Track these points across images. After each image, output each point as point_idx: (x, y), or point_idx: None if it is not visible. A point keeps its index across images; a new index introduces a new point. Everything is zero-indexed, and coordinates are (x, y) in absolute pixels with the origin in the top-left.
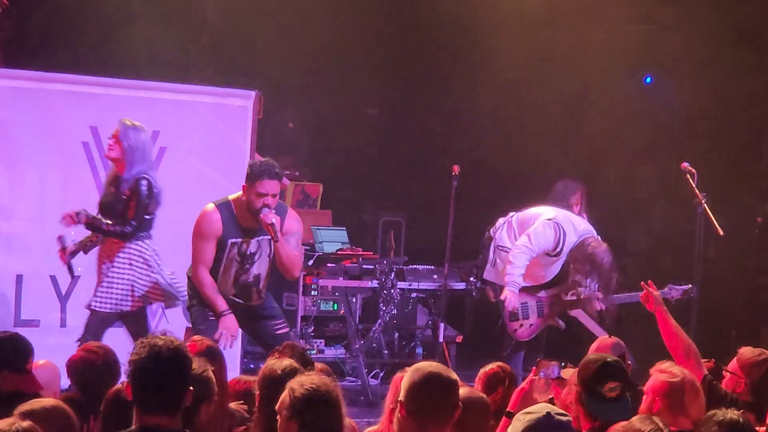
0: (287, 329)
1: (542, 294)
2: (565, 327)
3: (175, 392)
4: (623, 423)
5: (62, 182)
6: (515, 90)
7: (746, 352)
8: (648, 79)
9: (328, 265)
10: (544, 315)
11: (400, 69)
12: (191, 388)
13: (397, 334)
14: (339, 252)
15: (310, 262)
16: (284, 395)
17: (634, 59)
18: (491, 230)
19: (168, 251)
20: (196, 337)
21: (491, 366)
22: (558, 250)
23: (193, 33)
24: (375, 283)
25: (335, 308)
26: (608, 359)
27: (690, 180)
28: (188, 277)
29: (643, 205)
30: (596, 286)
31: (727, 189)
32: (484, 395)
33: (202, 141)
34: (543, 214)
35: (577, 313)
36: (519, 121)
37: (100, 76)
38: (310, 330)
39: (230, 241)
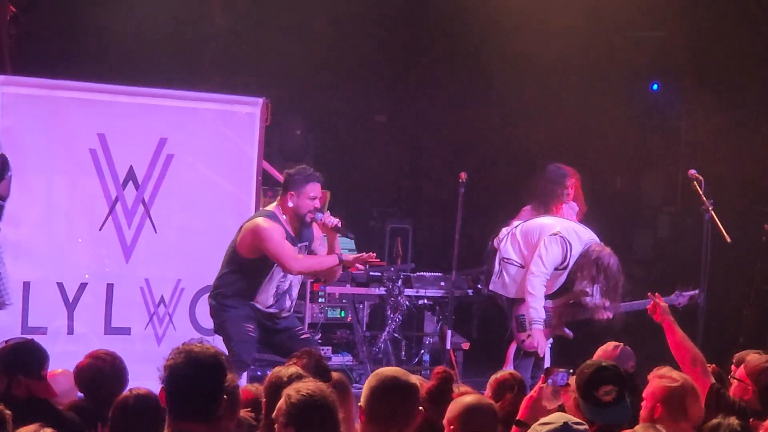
0: (308, 334)
1: (548, 304)
2: (573, 335)
3: (212, 400)
4: None
5: (69, 189)
6: (523, 98)
7: (753, 359)
8: (655, 86)
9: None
10: (551, 325)
11: (408, 76)
12: (225, 397)
13: (404, 342)
14: None
15: None
16: (280, 402)
17: (640, 66)
18: (495, 241)
19: (175, 258)
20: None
21: (503, 373)
22: (566, 264)
23: (201, 40)
24: (382, 290)
25: (342, 315)
26: (603, 363)
27: (697, 187)
28: (216, 299)
29: (649, 212)
30: (600, 294)
31: (735, 196)
32: (492, 402)
33: (209, 148)
34: (546, 227)
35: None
36: (526, 128)
37: (107, 84)
38: (318, 337)
39: None
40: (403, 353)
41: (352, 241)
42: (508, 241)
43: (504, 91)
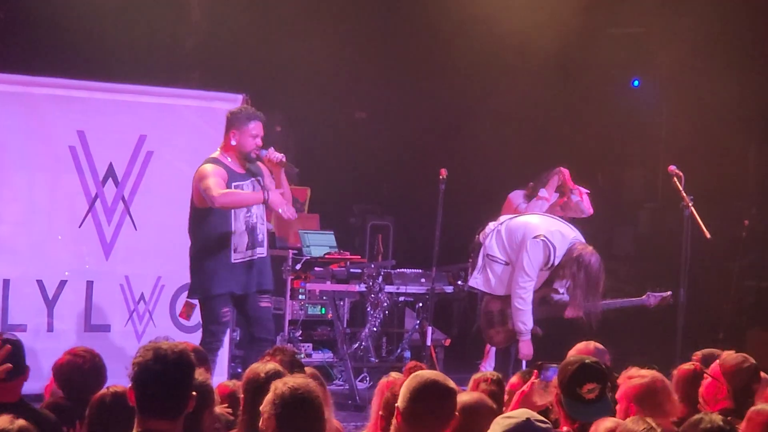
0: (270, 304)
1: None
2: (543, 333)
3: (179, 397)
4: (613, 420)
5: (49, 186)
6: (503, 94)
7: (730, 358)
8: (636, 83)
9: (316, 269)
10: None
11: (388, 72)
12: (194, 393)
13: (384, 338)
14: (327, 256)
15: (298, 266)
16: (269, 395)
17: (621, 62)
18: (481, 235)
19: (155, 255)
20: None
21: (482, 374)
22: (550, 265)
23: (180, 36)
24: (363, 287)
25: (323, 312)
26: (587, 360)
27: (677, 183)
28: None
29: (630, 209)
30: (581, 292)
31: (714, 192)
32: (492, 402)
33: (188, 145)
34: (530, 228)
35: None
36: (507, 124)
37: (86, 80)
38: (298, 334)
39: (233, 184)
40: (384, 350)
41: (332, 237)
42: (493, 237)
43: (485, 87)
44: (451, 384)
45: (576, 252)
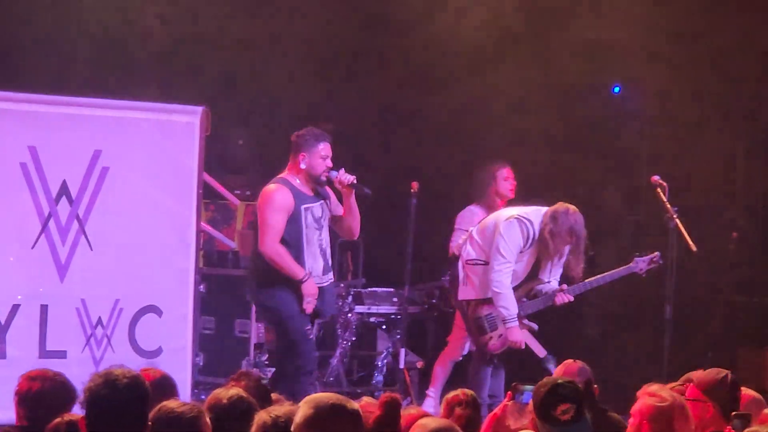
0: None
1: None
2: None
3: (132, 426)
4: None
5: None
6: (476, 102)
7: (702, 375)
8: (616, 89)
9: None
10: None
11: (356, 82)
12: (150, 423)
13: (355, 362)
14: None
15: None
16: (254, 427)
17: (602, 68)
18: (452, 249)
19: (112, 276)
20: (147, 368)
21: (455, 392)
22: (529, 243)
23: (136, 47)
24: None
25: None
26: (559, 381)
27: (661, 194)
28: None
29: (612, 221)
30: (574, 257)
31: (701, 203)
32: (454, 424)
33: (147, 160)
34: (501, 215)
35: (524, 334)
36: (481, 135)
37: (37, 93)
38: (264, 358)
39: (303, 207)
40: (355, 374)
41: None
42: (468, 243)
43: (458, 97)
44: (353, 405)
45: (557, 214)
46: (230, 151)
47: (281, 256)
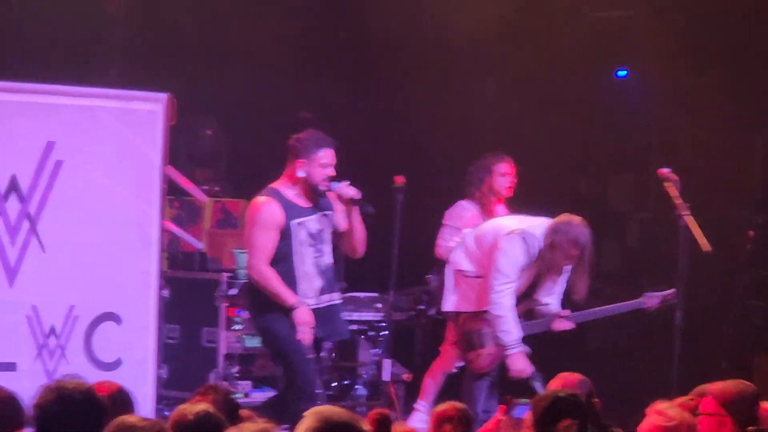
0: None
1: None
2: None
3: None
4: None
5: None
6: (467, 89)
7: (719, 387)
8: (622, 73)
9: None
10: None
11: (337, 66)
12: None
13: (336, 373)
14: None
15: (233, 291)
16: None
17: (606, 51)
18: (438, 251)
19: (67, 281)
20: (103, 381)
21: (444, 406)
22: (531, 261)
23: (95, 29)
24: None
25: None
26: (560, 394)
27: (670, 189)
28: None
29: (617, 219)
30: (581, 273)
31: (714, 198)
32: None
33: (105, 152)
34: (501, 227)
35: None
36: (472, 124)
37: None
38: (235, 370)
39: (295, 222)
40: (336, 387)
41: None
42: (460, 251)
43: (448, 82)
44: (364, 427)
45: (559, 226)
46: (197, 142)
47: (268, 281)
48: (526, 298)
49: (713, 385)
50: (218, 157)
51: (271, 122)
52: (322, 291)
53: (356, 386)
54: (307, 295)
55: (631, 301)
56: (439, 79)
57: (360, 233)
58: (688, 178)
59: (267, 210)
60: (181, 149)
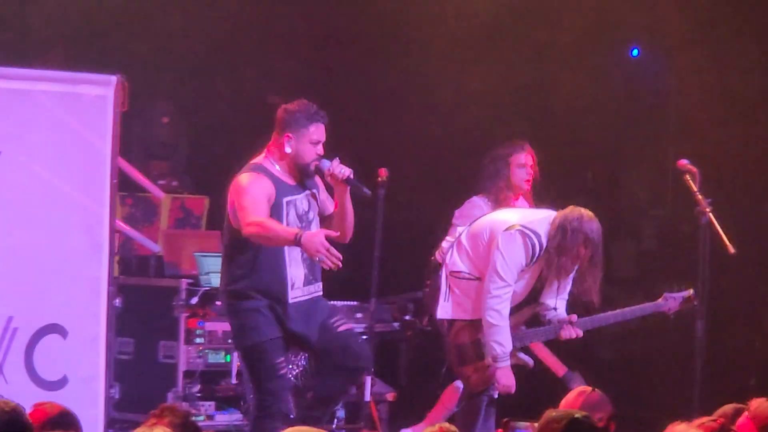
0: (350, 325)
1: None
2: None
3: None
4: None
5: None
6: (459, 69)
7: (764, 404)
8: (635, 52)
9: (217, 303)
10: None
11: (308, 46)
12: None
13: (310, 393)
14: None
15: (194, 300)
16: None
17: (616, 26)
18: (437, 254)
19: (4, 289)
20: (43, 402)
21: (433, 429)
22: (534, 259)
23: (35, 2)
24: None
25: (228, 360)
26: (576, 415)
27: (690, 182)
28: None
29: (631, 217)
30: (590, 271)
31: (740, 193)
32: None
33: (47, 142)
34: (498, 222)
35: (536, 346)
36: (465, 109)
37: None
38: (196, 389)
39: (285, 200)
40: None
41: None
42: (454, 250)
43: (434, 64)
44: None
45: (567, 222)
46: (152, 131)
47: (264, 226)
48: (528, 303)
49: (752, 403)
50: (176, 148)
51: (235, 109)
52: (307, 280)
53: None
54: (297, 284)
55: (648, 304)
56: (429, 62)
57: (351, 216)
58: (710, 170)
59: (257, 183)
60: (134, 139)
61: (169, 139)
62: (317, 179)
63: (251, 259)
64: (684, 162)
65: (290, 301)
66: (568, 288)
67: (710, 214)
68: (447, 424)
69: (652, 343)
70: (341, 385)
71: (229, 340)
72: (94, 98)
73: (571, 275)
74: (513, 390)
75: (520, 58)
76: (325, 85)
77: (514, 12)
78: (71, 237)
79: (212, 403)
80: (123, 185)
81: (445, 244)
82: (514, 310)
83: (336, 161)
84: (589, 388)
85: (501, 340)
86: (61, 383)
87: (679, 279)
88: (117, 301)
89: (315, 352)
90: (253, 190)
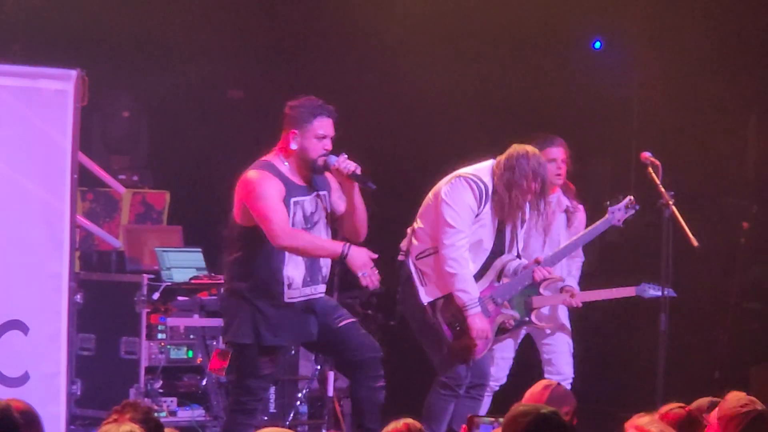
0: (353, 318)
1: (480, 285)
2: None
3: None
4: None
5: None
6: (420, 61)
7: (731, 399)
8: (597, 44)
9: (179, 298)
10: (490, 314)
11: (271, 40)
12: None
13: (273, 388)
14: (193, 281)
15: (155, 296)
16: None
17: (578, 18)
18: (403, 244)
19: None
20: (5, 400)
21: (396, 424)
22: (484, 203)
23: None
24: None
25: (190, 356)
26: (542, 410)
27: (653, 175)
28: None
29: (592, 210)
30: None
31: (703, 186)
32: None
33: (6, 137)
34: (440, 184)
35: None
36: (427, 101)
37: None
38: (158, 385)
39: (293, 200)
40: (273, 404)
41: (200, 256)
42: (411, 236)
43: (394, 56)
44: None
45: (513, 159)
46: (113, 126)
47: (302, 238)
48: (493, 258)
49: (730, 393)
50: (137, 143)
51: (196, 102)
52: (305, 282)
53: (296, 403)
54: (294, 284)
55: (598, 222)
56: (387, 56)
57: (362, 213)
58: (673, 163)
59: (268, 185)
60: (94, 134)
61: (129, 133)
62: (330, 179)
63: (251, 258)
64: (647, 154)
65: (286, 300)
66: (541, 239)
67: (673, 207)
68: (411, 420)
69: (615, 336)
70: (360, 385)
71: (191, 336)
72: (53, 93)
73: (528, 223)
74: (488, 334)
75: (482, 51)
76: (285, 79)
77: (475, 4)
78: (31, 233)
79: (174, 399)
80: (83, 180)
81: (404, 242)
82: (487, 266)
83: (342, 156)
84: (554, 382)
85: (464, 287)
86: (23, 380)
87: (641, 273)
88: (78, 297)
89: (322, 354)
90: (267, 194)
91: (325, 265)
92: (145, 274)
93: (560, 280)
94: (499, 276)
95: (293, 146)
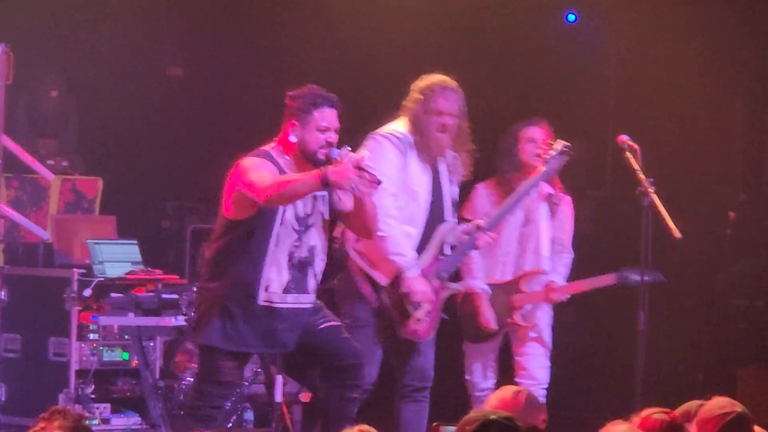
0: (336, 322)
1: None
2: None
3: None
4: None
5: None
6: (375, 37)
7: (712, 403)
8: (571, 17)
9: (113, 295)
10: (436, 290)
11: (213, 13)
12: None
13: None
14: (128, 276)
15: (87, 292)
16: None
17: None
18: (336, 231)
19: None
20: None
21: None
22: (407, 154)
23: None
24: (181, 320)
25: (125, 358)
26: (491, 416)
27: (631, 160)
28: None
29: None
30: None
31: (685, 172)
32: None
33: None
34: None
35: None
36: (385, 81)
37: None
38: (90, 390)
39: None
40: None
41: (136, 249)
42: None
43: (347, 33)
44: None
45: (419, 91)
46: (40, 106)
47: (280, 182)
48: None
49: (715, 397)
50: (66, 125)
51: (131, 81)
52: (287, 288)
53: (242, 409)
54: (271, 290)
55: (534, 176)
56: (340, 33)
57: (371, 208)
58: (652, 147)
59: (261, 160)
60: (20, 115)
61: (58, 114)
62: None
63: (231, 252)
64: (624, 138)
65: (261, 302)
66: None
67: (653, 195)
68: (366, 426)
69: (590, 335)
70: (334, 393)
71: (126, 336)
72: None
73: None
74: (430, 296)
75: (453, 24)
76: (230, 56)
77: None
78: None
79: (108, 405)
80: (8, 166)
81: (337, 229)
82: (425, 238)
83: (345, 149)
84: (524, 389)
85: (398, 250)
86: None
87: (619, 265)
88: (2, 294)
89: (300, 359)
90: (257, 166)
91: (316, 273)
92: (75, 269)
93: (541, 273)
94: (441, 249)
95: (293, 138)
